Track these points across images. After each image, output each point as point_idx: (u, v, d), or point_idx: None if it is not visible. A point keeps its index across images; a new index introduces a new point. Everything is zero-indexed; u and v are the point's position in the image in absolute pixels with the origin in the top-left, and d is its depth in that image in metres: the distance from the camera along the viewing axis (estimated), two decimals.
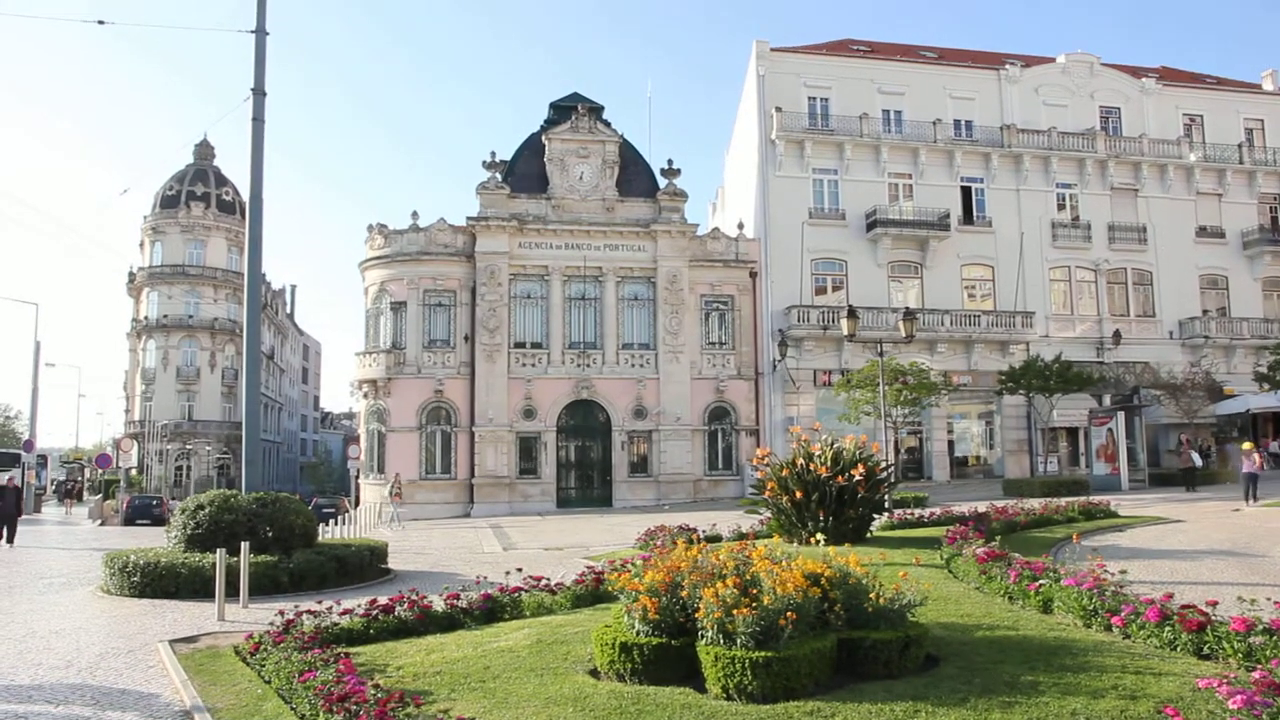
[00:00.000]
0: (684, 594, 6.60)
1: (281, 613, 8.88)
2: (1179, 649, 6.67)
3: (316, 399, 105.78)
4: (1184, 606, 7.08)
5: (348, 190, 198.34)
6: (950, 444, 38.21)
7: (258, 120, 15.30)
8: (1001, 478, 34.50)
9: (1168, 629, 6.84)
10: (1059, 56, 43.33)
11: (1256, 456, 23.19)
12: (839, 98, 39.63)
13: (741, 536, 14.58)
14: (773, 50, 40.05)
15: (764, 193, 38.51)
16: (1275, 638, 6.19)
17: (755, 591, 6.31)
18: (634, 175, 37.71)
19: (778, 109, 38.47)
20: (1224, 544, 14.43)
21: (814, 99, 39.75)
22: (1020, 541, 14.20)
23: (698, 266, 36.97)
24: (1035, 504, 18.99)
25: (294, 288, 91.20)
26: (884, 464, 15.14)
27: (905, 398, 29.76)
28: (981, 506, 18.27)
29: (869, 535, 14.35)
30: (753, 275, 37.66)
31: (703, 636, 6.22)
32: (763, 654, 5.86)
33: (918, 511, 19.00)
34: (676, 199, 37.16)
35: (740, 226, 38.79)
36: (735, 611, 6.05)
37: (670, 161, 37.23)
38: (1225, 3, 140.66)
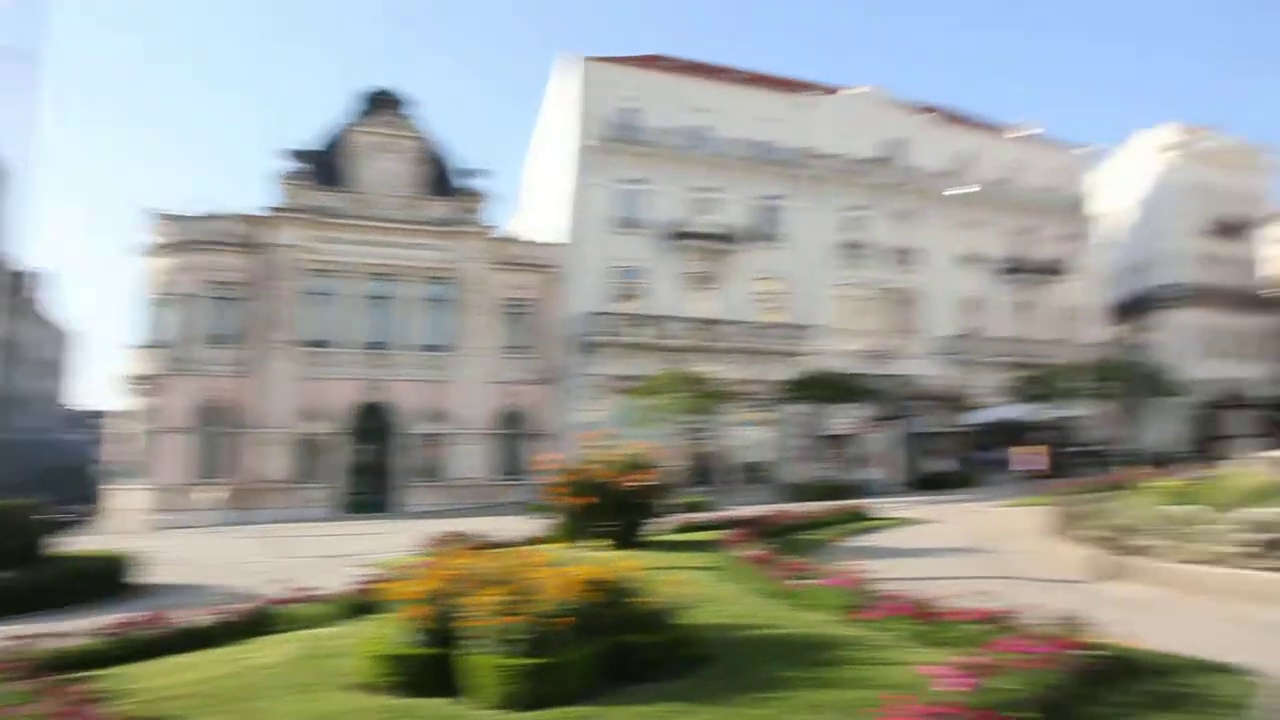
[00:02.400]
0: (455, 602, 6.51)
1: (4, 636, 7.98)
2: (917, 640, 7.29)
3: (74, 395, 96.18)
4: (922, 600, 7.74)
5: (125, 172, 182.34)
6: (738, 450, 39.82)
7: (23, 87, 13.72)
8: (784, 483, 36.35)
9: (908, 622, 7.45)
10: (854, 88, 46.32)
11: (1033, 458, 25.67)
12: (650, 110, 40.55)
13: (529, 542, 14.56)
14: (586, 59, 40.42)
15: (571, 199, 38.75)
16: (996, 624, 6.89)
17: (528, 598, 6.32)
18: (439, 174, 36.85)
19: (589, 116, 38.86)
20: (966, 542, 15.88)
21: (626, 110, 40.40)
22: (793, 543, 15.00)
23: (500, 269, 36.63)
24: (811, 507, 20.18)
25: (53, 273, 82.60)
26: (672, 469, 15.59)
27: (696, 405, 30.77)
28: (762, 511, 19.17)
29: (654, 539, 14.70)
30: (554, 280, 37.77)
31: (475, 645, 6.16)
32: (535, 661, 5.88)
33: (703, 516, 19.66)
34: (479, 200, 36.66)
35: (544, 231, 38.80)
36: (507, 618, 6.03)
37: (476, 162, 36.84)
38: (992, 53, 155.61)
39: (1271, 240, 58.66)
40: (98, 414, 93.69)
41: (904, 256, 44.16)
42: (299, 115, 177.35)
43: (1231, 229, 54.12)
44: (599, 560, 7.66)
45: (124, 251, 34.02)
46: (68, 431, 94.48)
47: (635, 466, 13.74)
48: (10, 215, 13.17)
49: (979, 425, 42.32)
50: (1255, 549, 9.65)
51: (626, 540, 13.00)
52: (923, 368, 42.83)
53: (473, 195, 36.65)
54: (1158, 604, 9.50)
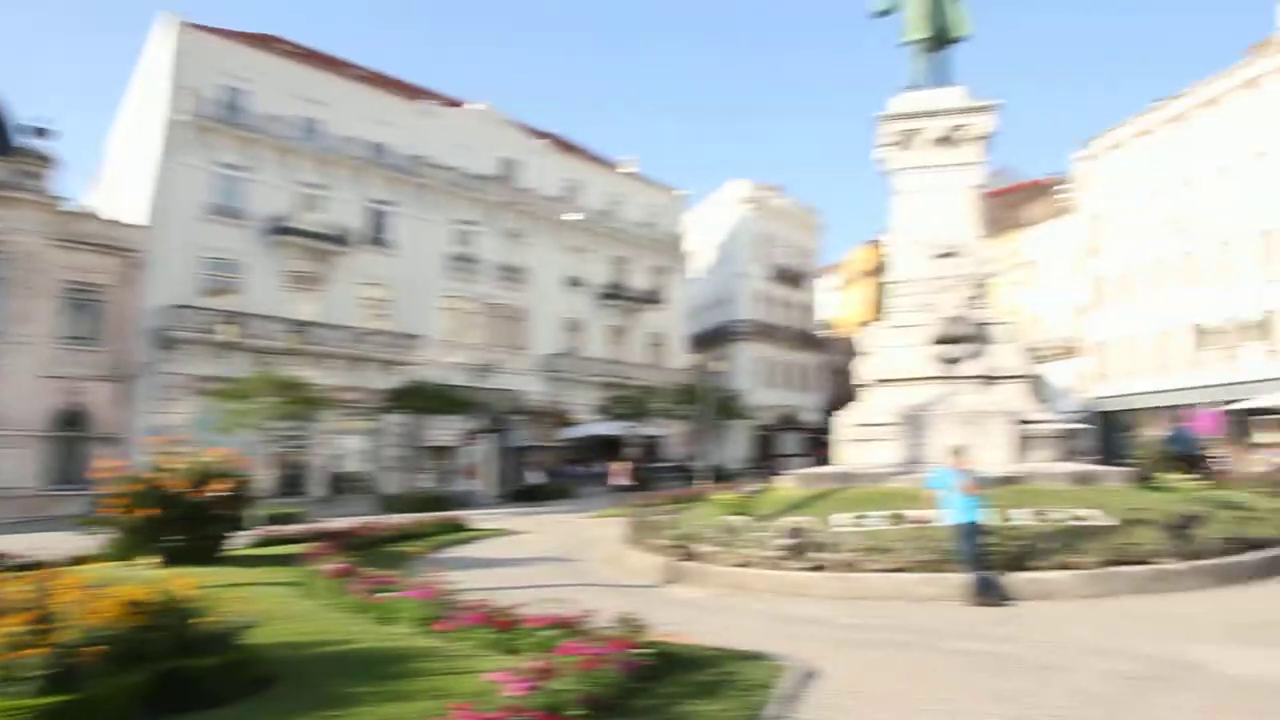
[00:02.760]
0: None
1: None
2: (492, 647, 7.54)
3: None
4: (499, 609, 8.03)
5: None
6: (335, 460, 38.20)
7: None
8: (381, 494, 35.51)
9: (485, 630, 7.69)
10: (473, 104, 46.88)
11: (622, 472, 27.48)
12: (260, 93, 37.48)
13: (75, 561, 12.77)
14: (190, 26, 36.31)
15: (160, 178, 34.56)
16: (565, 629, 7.34)
17: (52, 627, 5.54)
18: None
19: (188, 90, 34.97)
20: (553, 551, 16.72)
21: (232, 89, 37.00)
22: (382, 556, 14.76)
23: (64, 247, 31.62)
24: (403, 519, 20.00)
25: None
26: (256, 479, 14.59)
27: (290, 411, 29.01)
28: (354, 523, 18.61)
29: (228, 554, 13.65)
30: (134, 266, 33.51)
31: None
32: (55, 699, 5.18)
33: (289, 528, 18.64)
34: (42, 164, 31.38)
35: (127, 211, 34.23)
36: (24, 651, 5.25)
37: (40, 121, 31.40)
38: (603, 90, 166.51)
39: (822, 290, 69.49)
40: None
41: (512, 274, 45.52)
42: None
43: (791, 277, 63.11)
44: (150, 579, 6.97)
45: None
46: None
47: (212, 475, 12.67)
48: None
49: (574, 440, 44.80)
50: (788, 552, 11.29)
51: (198, 555, 11.93)
52: (524, 383, 44.38)
53: (35, 157, 31.37)
54: (711, 603, 10.72)
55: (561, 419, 44.04)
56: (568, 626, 7.36)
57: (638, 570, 13.48)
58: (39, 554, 13.68)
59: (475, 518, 23.04)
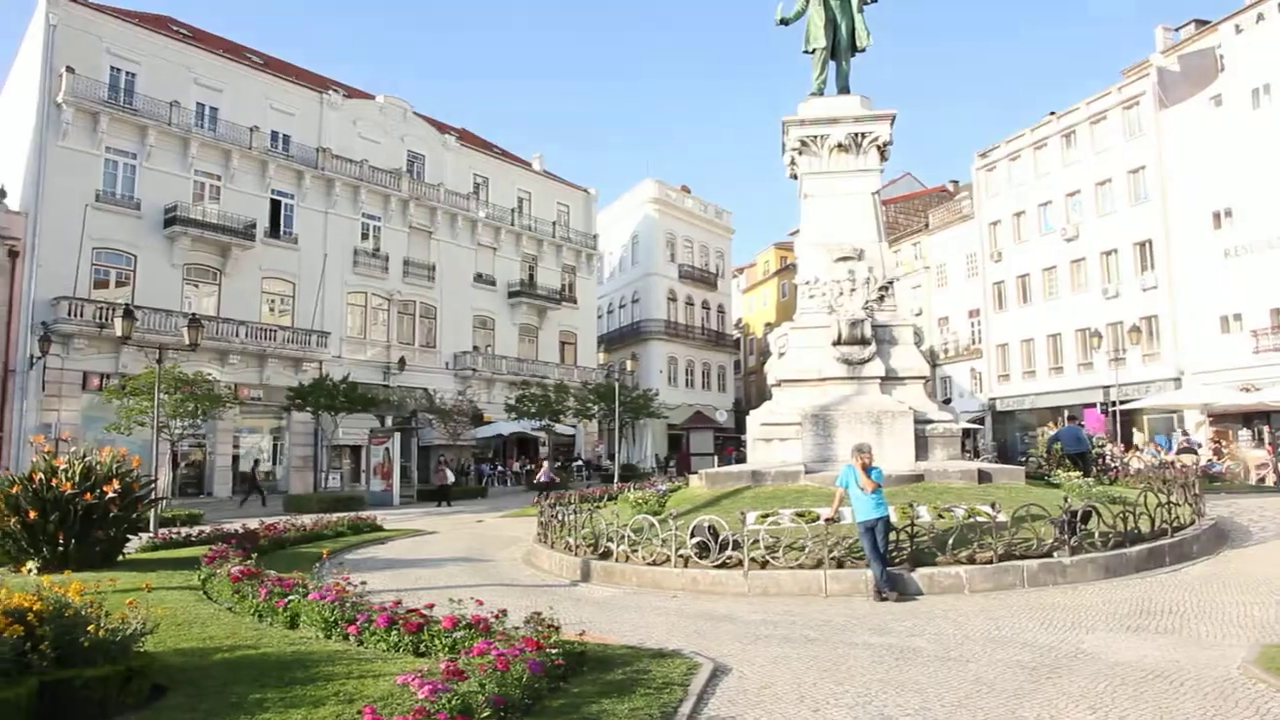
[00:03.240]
0: None
1: None
2: (402, 650, 7.40)
3: None
4: (409, 611, 7.89)
5: None
6: (236, 459, 36.97)
7: None
8: (286, 494, 34.51)
9: (394, 633, 7.54)
10: (378, 96, 45.92)
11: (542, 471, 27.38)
12: (149, 76, 35.96)
13: None
14: (71, 1, 34.63)
15: (39, 162, 32.84)
16: (474, 630, 7.26)
17: None
18: None
19: (70, 69, 33.28)
20: (465, 551, 16.54)
21: (118, 70, 35.44)
22: (286, 558, 14.36)
23: None
24: (308, 520, 19.46)
25: None
26: (146, 479, 13.98)
27: (189, 409, 27.97)
28: (256, 524, 18.03)
29: (123, 558, 13.06)
30: (13, 255, 31.77)
31: None
32: None
33: (187, 530, 17.98)
34: None
35: (2, 194, 32.42)
36: None
37: None
38: (512, 87, 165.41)
39: (733, 291, 70.38)
40: None
41: (420, 270, 44.82)
42: None
43: (702, 277, 63.73)
44: (31, 586, 6.62)
45: None
46: None
47: (100, 476, 12.08)
48: None
49: (486, 439, 44.36)
50: (699, 550, 11.40)
51: (90, 560, 11.36)
52: (434, 381, 43.75)
53: None
54: (624, 602, 10.74)
55: (473, 417, 43.52)
56: (478, 627, 7.28)
57: (550, 569, 13.43)
58: None
59: (385, 518, 22.58)
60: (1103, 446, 25.42)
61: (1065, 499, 12.69)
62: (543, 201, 52.99)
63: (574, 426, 47.62)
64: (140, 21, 37.55)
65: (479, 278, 47.86)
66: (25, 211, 32.36)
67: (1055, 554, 10.86)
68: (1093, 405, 37.97)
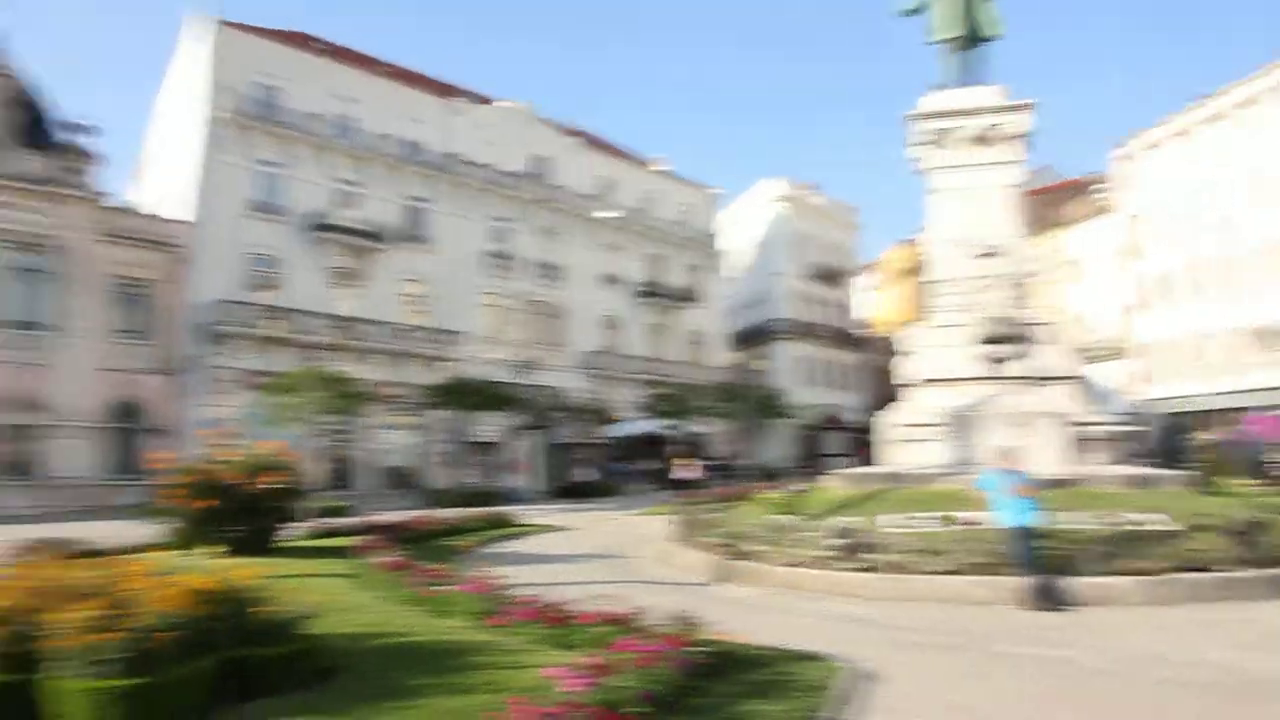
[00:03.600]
0: (38, 619, 5.67)
1: None
2: (546, 642, 7.57)
3: None
4: (551, 605, 8.07)
5: None
6: (379, 454, 38.63)
7: None
8: (425, 488, 35.85)
9: (538, 626, 7.73)
10: (501, 101, 47.14)
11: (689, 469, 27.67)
12: (295, 91, 38.02)
13: (139, 549, 13.05)
14: (224, 24, 36.96)
15: (202, 175, 35.18)
16: (619, 625, 7.36)
17: (126, 612, 5.66)
18: (35, 123, 31.59)
19: (225, 88, 35.55)
20: (600, 548, 16.76)
21: (267, 87, 37.58)
22: (431, 550, 14.90)
23: (111, 242, 32.30)
24: (449, 514, 20.15)
25: None
26: (303, 472, 14.79)
27: (336, 406, 29.38)
28: (403, 517, 18.80)
29: (282, 545, 13.86)
30: (180, 262, 34.14)
31: (57, 668, 5.41)
32: (133, 681, 5.29)
33: (339, 521, 18.90)
34: (88, 160, 32.01)
35: (168, 207, 34.89)
36: (101, 635, 5.37)
37: (87, 117, 32.28)
38: (633, 87, 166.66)
39: (860, 288, 68.90)
40: None
41: (549, 271, 45.72)
42: None
43: (829, 275, 62.61)
44: (214, 569, 7.08)
45: None
46: None
47: (266, 468, 12.86)
48: None
49: (617, 438, 44.88)
50: (838, 552, 11.22)
51: (254, 546, 12.11)
52: (565, 380, 44.55)
53: (77, 153, 31.94)
54: (762, 602, 10.69)
55: (603, 416, 44.08)
56: (621, 623, 7.37)
57: (687, 568, 13.47)
58: (101, 542, 14.03)
59: (522, 513, 23.14)
60: (1272, 453, 23.60)
61: (1235, 508, 11.85)
62: (666, 201, 53.24)
63: (704, 426, 47.65)
64: (285, 40, 39.78)
65: (605, 278, 48.51)
66: (190, 221, 34.72)
67: (1227, 567, 10.15)
68: (1254, 409, 35.27)
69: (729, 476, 38.44)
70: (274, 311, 34.93)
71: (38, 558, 10.94)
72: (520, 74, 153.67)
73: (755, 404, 40.30)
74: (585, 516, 24.80)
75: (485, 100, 46.88)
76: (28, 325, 30.48)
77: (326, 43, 43.17)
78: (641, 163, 55.10)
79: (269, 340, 34.17)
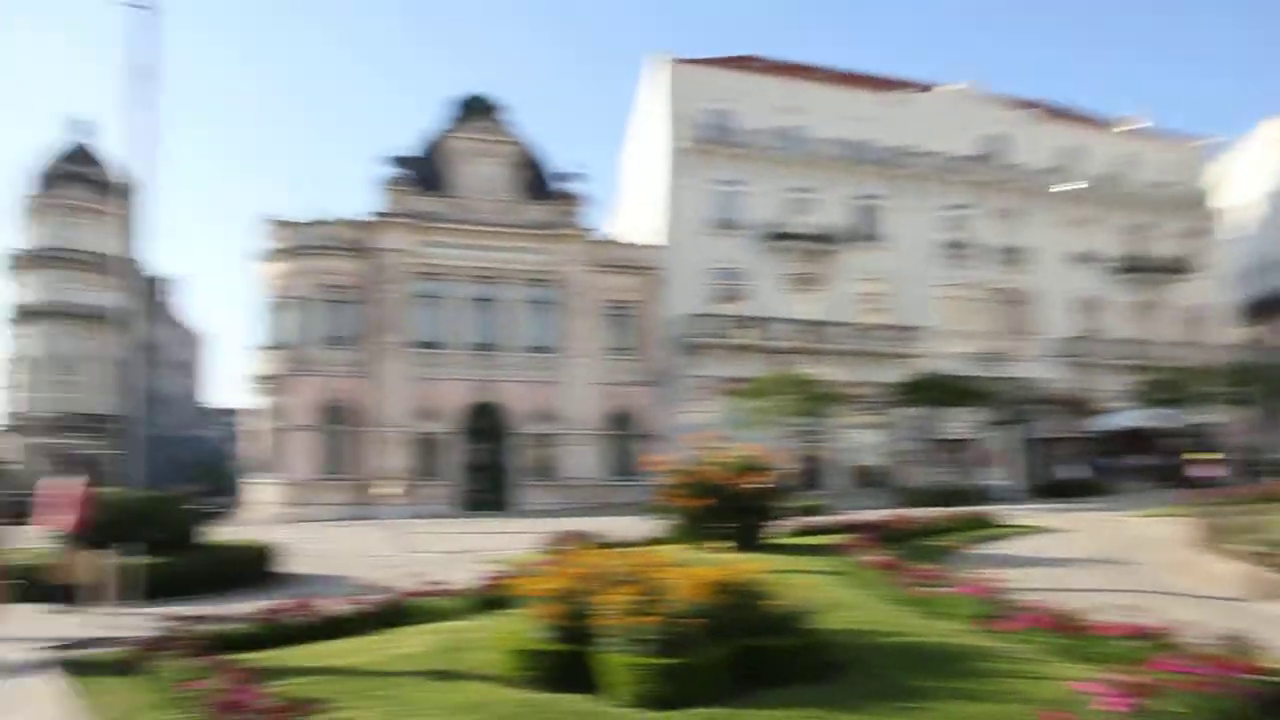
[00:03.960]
0: (587, 600, 6.59)
1: (171, 617, 8.50)
2: (1061, 653, 7.01)
3: (205, 393, 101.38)
4: (1065, 613, 7.45)
5: (249, 178, 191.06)
6: (848, 454, 39.15)
7: (145, 101, 14.61)
8: (896, 487, 35.54)
9: (1049, 634, 7.18)
10: (952, 84, 45.10)
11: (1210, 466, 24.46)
12: (743, 111, 40.28)
13: (645, 543, 14.64)
14: (677, 62, 40.45)
15: (668, 201, 38.83)
16: (1151, 641, 6.56)
17: (659, 598, 6.34)
18: (536, 177, 37.44)
19: (682, 118, 38.88)
20: (1100, 552, 15.22)
21: (718, 111, 40.27)
22: (915, 549, 14.66)
23: (600, 271, 36.97)
24: (927, 513, 19.67)
25: (183, 278, 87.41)
26: (784, 472, 15.42)
27: (804, 408, 30.37)
28: (878, 515, 18.78)
29: (769, 542, 14.58)
30: (655, 282, 37.90)
31: (606, 643, 6.22)
32: (665, 660, 5.90)
33: (817, 520, 19.40)
34: (579, 204, 37.10)
35: (643, 234, 39.00)
36: (638, 618, 6.07)
37: (572, 165, 37.40)
38: (1099, 47, 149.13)
39: None
40: (230, 411, 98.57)
41: (1012, 256, 42.78)
42: (400, 120, 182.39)
43: None
44: (723, 562, 7.63)
45: (245, 257, 35.02)
46: (204, 429, 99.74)
47: (750, 468, 13.64)
48: (141, 224, 14.23)
49: (1102, 431, 40.52)
50: None
51: (743, 543, 12.91)
52: (1039, 370, 41.31)
53: (570, 198, 37.09)
54: None
55: (1084, 408, 40.07)
56: (1153, 638, 6.56)
57: (1213, 579, 11.65)
58: (612, 536, 15.98)
59: (1003, 513, 21.87)
60: None
61: None
62: (1143, 163, 46.75)
63: (1208, 415, 41.00)
64: (731, 65, 42.35)
65: (1076, 256, 44.08)
66: (661, 245, 38.46)
67: None
68: None
69: (1255, 472, 32.61)
70: (740, 321, 37.23)
71: (569, 547, 12.83)
72: (963, 58, 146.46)
73: (1277, 386, 33.66)
74: (1075, 517, 22.71)
75: (928, 88, 45.42)
76: (541, 349, 35.96)
77: (769, 60, 45.03)
78: (1109, 125, 49.25)
79: (738, 348, 36.41)
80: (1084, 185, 42.81)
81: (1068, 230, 44.17)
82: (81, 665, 7.89)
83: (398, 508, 31.84)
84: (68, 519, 11.34)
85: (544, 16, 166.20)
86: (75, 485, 11.74)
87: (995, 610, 7.90)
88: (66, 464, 48.80)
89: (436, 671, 6.93)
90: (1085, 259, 44.23)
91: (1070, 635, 7.00)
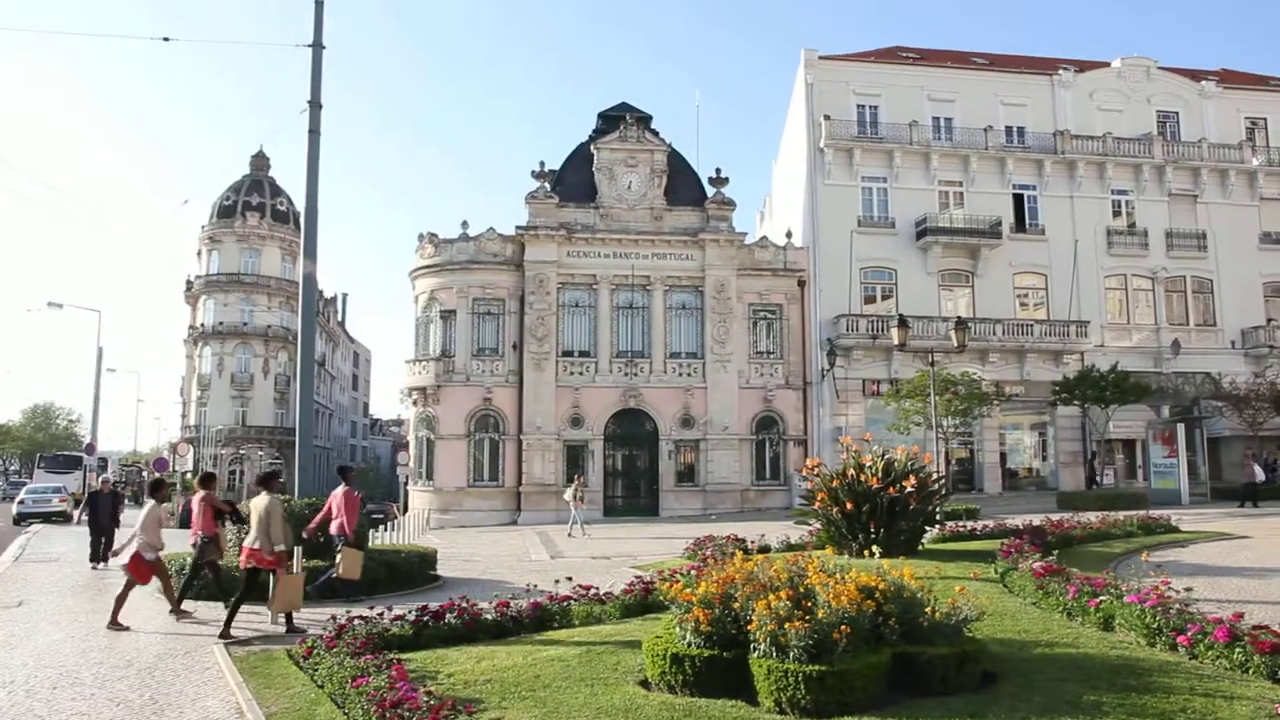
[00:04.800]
0: (736, 606, 6.54)
1: (334, 617, 8.99)
2: (1251, 672, 6.41)
3: (366, 405, 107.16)
4: (1256, 627, 6.83)
5: (399, 200, 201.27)
6: (1002, 455, 37.49)
7: (313, 132, 15.54)
8: (1055, 490, 33.75)
9: (1238, 650, 6.58)
10: (1114, 61, 42.45)
11: None
12: (888, 105, 39.26)
13: (791, 548, 14.44)
14: (821, 59, 39.83)
15: (812, 201, 38.25)
16: None
17: (809, 604, 6.22)
18: (681, 184, 37.67)
19: (826, 117, 38.19)
20: None
21: (863, 107, 39.44)
22: (1077, 556, 13.85)
23: (745, 275, 36.81)
24: (1092, 518, 18.53)
25: (345, 295, 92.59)
26: (935, 475, 14.89)
27: (956, 408, 29.27)
28: (1035, 519, 17.86)
29: (920, 548, 14.09)
30: (801, 284, 37.39)
31: (755, 649, 6.15)
32: (816, 667, 5.77)
33: (970, 524, 18.63)
34: (724, 208, 37.07)
35: (788, 235, 38.56)
36: (788, 624, 5.97)
37: (718, 170, 37.24)
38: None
39: None
40: (397, 423, 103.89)
41: (1187, 240, 39.85)
42: (546, 133, 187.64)
43: None
44: (872, 568, 7.42)
45: (404, 272, 36.69)
46: (368, 439, 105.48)
47: (898, 472, 13.22)
48: (309, 247, 15.35)
49: None
50: None
51: (894, 548, 12.51)
52: (1218, 363, 38.30)
53: (717, 203, 37.09)
54: None
55: (1275, 403, 36.78)
56: None
57: None
58: (760, 541, 15.83)
59: (1178, 518, 20.36)
60: None
61: None
62: None
63: None
64: (875, 58, 41.28)
65: (1266, 237, 40.58)
66: (806, 246, 37.87)
67: None
68: None
69: None
70: (887, 320, 36.17)
71: (717, 552, 12.78)
72: (1123, 30, 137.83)
73: None
74: (1263, 523, 20.87)
75: (1097, 66, 42.82)
76: (686, 354, 36.10)
77: (915, 50, 43.77)
78: None
79: (887, 349, 35.48)
80: (1270, 158, 39.41)
81: (1254, 209, 40.82)
82: (252, 658, 8.48)
83: (543, 513, 32.63)
84: (349, 523, 12.93)
85: (691, 31, 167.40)
86: (351, 494, 13.26)
87: (1175, 622, 7.32)
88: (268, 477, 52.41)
89: (584, 674, 7.03)
90: (1272, 239, 40.74)
91: (1265, 652, 6.39)
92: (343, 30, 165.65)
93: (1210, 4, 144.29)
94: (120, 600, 10.99)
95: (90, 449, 44.50)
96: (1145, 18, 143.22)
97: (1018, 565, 10.67)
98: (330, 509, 13.12)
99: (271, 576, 10.53)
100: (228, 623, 10.11)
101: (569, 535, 25.36)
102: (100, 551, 17.79)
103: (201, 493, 12.40)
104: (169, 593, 11.79)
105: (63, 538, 25.68)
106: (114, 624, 10.73)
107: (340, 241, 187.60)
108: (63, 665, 8.77)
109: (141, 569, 11.23)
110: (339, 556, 12.58)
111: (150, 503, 12.05)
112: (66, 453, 58.67)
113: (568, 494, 27.21)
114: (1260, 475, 29.24)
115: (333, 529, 13.00)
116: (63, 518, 35.80)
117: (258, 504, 10.74)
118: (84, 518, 21.91)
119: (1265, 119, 42.31)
